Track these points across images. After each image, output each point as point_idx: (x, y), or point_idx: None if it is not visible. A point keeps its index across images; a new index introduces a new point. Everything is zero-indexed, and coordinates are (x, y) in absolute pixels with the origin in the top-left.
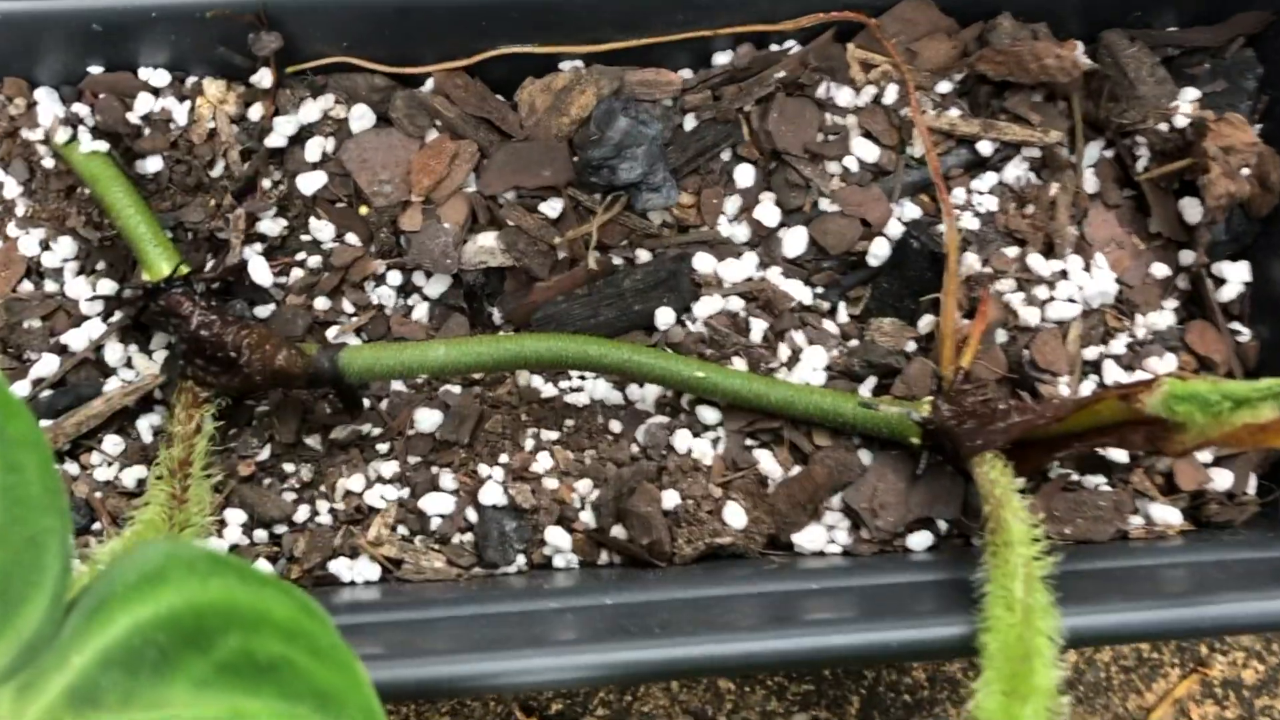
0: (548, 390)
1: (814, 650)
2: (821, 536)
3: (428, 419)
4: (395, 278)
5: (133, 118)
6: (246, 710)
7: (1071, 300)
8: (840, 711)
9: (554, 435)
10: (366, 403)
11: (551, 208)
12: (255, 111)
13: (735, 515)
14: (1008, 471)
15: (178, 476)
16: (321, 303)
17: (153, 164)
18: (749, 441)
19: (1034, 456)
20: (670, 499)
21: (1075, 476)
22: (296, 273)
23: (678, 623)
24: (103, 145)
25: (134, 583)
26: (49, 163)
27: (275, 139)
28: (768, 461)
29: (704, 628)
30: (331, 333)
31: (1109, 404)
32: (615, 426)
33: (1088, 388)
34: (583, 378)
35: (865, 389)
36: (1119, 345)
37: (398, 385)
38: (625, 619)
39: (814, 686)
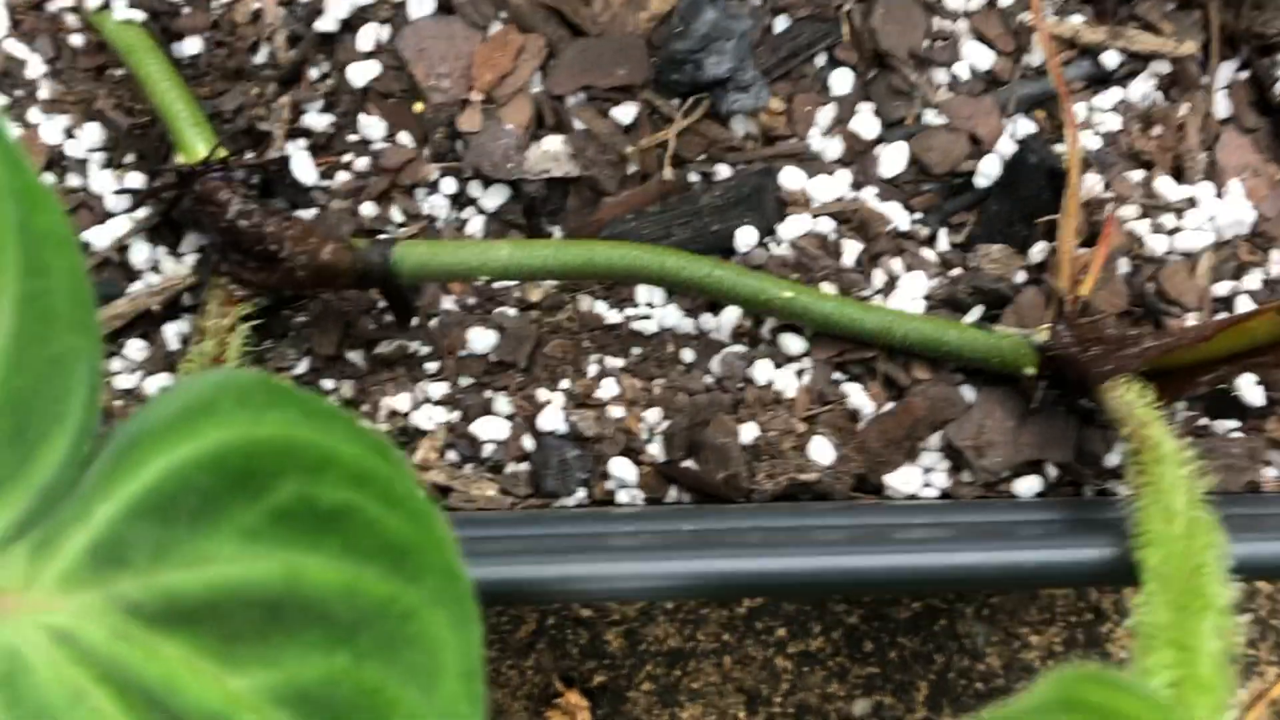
0: (612, 316)
1: (939, 569)
2: (917, 478)
3: (481, 339)
4: (450, 185)
5: None
6: (304, 568)
7: (1201, 230)
8: (907, 699)
9: (619, 362)
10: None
11: (624, 113)
12: None
13: (822, 450)
14: (1147, 394)
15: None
16: (368, 209)
17: (190, 46)
18: (837, 374)
19: (1174, 384)
20: (749, 432)
21: (1204, 421)
22: (342, 175)
23: (764, 543)
24: (138, 14)
25: (173, 418)
26: (78, 40)
27: (326, 23)
28: (858, 395)
29: (796, 544)
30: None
31: (1267, 319)
32: (687, 355)
33: None
34: (650, 305)
35: (970, 319)
36: (1254, 280)
37: (448, 304)
38: (705, 541)
39: (879, 669)
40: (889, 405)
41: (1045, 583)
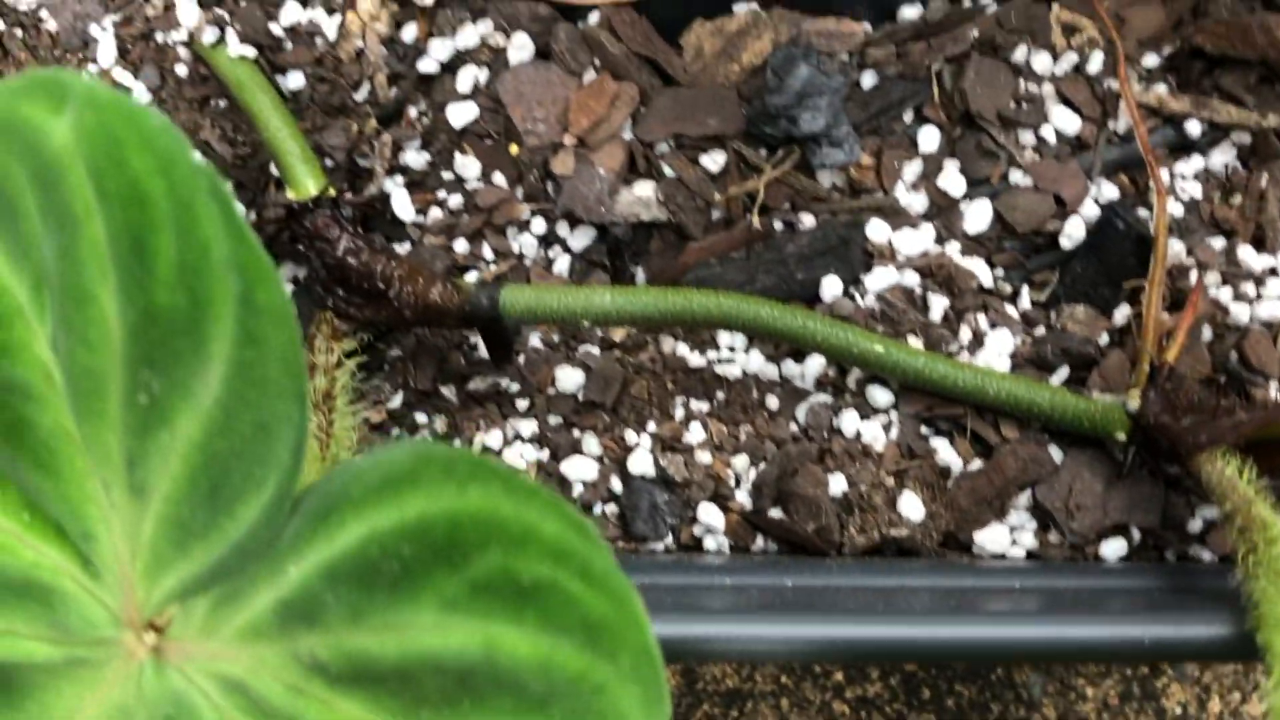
0: (695, 359)
1: (1037, 642)
2: (1005, 537)
3: (569, 378)
4: (539, 225)
5: (275, 29)
6: (503, 639)
7: None
8: None
9: (705, 406)
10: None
11: (713, 161)
12: (408, 33)
13: (912, 506)
14: (1250, 468)
15: (322, 410)
16: (461, 245)
17: (293, 80)
18: (925, 429)
19: (1269, 457)
20: (837, 484)
21: None
22: (435, 211)
23: (859, 609)
24: (250, 51)
25: (374, 485)
26: (183, 70)
27: (427, 64)
28: (946, 451)
29: (890, 611)
30: (470, 278)
31: None
32: (772, 402)
33: None
34: (732, 349)
35: (1055, 380)
36: None
37: (534, 341)
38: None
39: (935, 717)
40: (977, 462)
41: (1154, 657)
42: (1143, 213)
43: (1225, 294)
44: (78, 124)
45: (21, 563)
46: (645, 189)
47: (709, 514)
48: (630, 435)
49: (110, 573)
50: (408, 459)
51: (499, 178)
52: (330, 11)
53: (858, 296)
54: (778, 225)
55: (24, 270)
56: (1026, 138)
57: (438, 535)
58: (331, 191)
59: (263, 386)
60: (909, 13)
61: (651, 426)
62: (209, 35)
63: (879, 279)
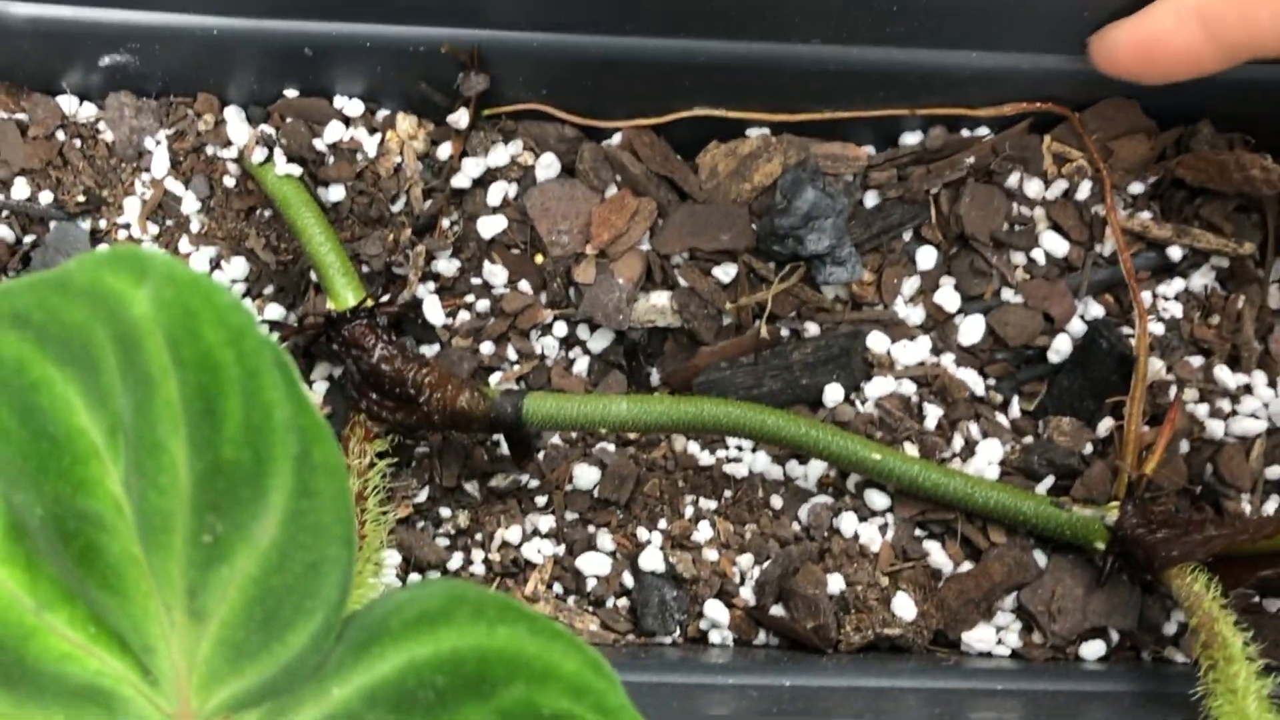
0: (705, 458)
1: None
2: (991, 636)
3: (586, 476)
4: (561, 329)
5: (319, 144)
6: None
7: (1255, 416)
8: None
9: (713, 505)
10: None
11: (725, 272)
12: (443, 150)
13: (905, 606)
14: (1214, 586)
15: (354, 511)
16: (487, 347)
17: (335, 193)
18: (919, 531)
19: (1235, 572)
20: (835, 583)
21: (1256, 598)
22: (464, 315)
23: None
24: (296, 169)
25: (412, 620)
26: (230, 181)
27: (460, 180)
28: (938, 554)
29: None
30: (494, 379)
31: None
32: (776, 502)
33: (1269, 507)
34: (740, 448)
35: (1041, 488)
36: None
37: (554, 439)
38: (804, 702)
39: None
40: (966, 565)
41: None
42: (1126, 331)
43: (1202, 410)
44: (156, 297)
45: (86, 670)
46: (661, 297)
47: (715, 610)
48: (642, 532)
49: (168, 683)
50: (442, 598)
51: (525, 285)
52: (371, 131)
53: (858, 403)
54: (784, 333)
55: (102, 417)
56: (1018, 258)
57: (469, 669)
58: (369, 302)
59: (315, 532)
60: (910, 139)
61: (663, 524)
62: (258, 155)
63: (878, 387)
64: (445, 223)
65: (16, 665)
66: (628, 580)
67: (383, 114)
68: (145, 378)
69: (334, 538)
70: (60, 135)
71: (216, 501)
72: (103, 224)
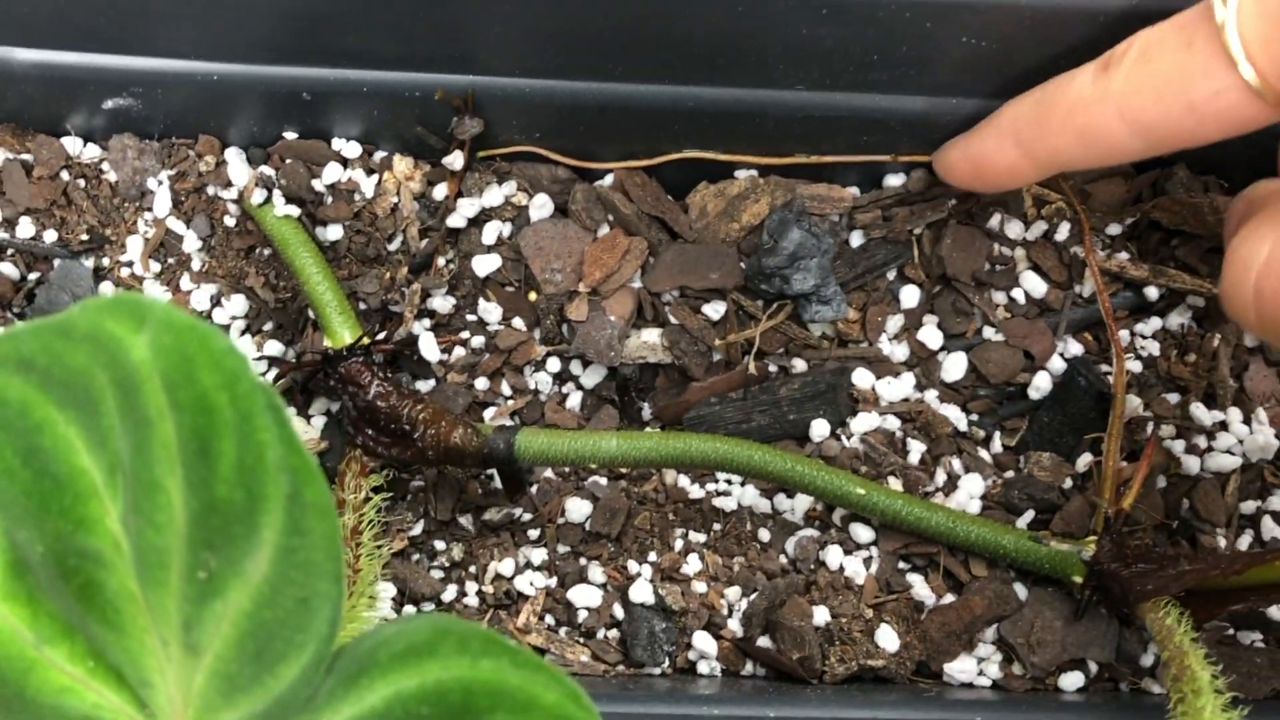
0: (695, 491)
1: None
2: (972, 668)
3: (577, 509)
4: (554, 364)
5: (318, 185)
6: None
7: (1230, 452)
8: None
9: (702, 538)
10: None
11: (714, 310)
12: (439, 191)
13: (888, 638)
14: (1185, 620)
15: (349, 545)
16: (481, 383)
17: (333, 232)
18: (902, 564)
19: (1208, 606)
20: (821, 615)
21: (1230, 630)
22: (459, 351)
23: None
24: (294, 210)
25: (399, 653)
26: (231, 221)
27: (456, 219)
28: (921, 586)
29: None
30: (488, 414)
31: None
32: (764, 535)
33: (1244, 542)
34: (729, 482)
35: (1022, 522)
36: (1278, 501)
37: (547, 472)
38: None
39: None
40: (949, 597)
41: None
42: (1104, 368)
43: (1179, 446)
44: (155, 342)
45: (85, 704)
46: (652, 334)
47: (703, 641)
48: (633, 565)
49: (164, 715)
50: (428, 631)
51: (519, 321)
52: (369, 172)
53: (844, 438)
54: (772, 369)
55: (102, 457)
56: (999, 297)
57: (453, 700)
58: (365, 339)
59: (306, 569)
60: (893, 180)
61: (653, 556)
62: (257, 196)
63: (863, 422)
64: (441, 261)
65: (17, 698)
66: (618, 612)
67: (380, 155)
68: (144, 420)
69: (324, 574)
70: (64, 175)
71: (211, 539)
72: (106, 262)
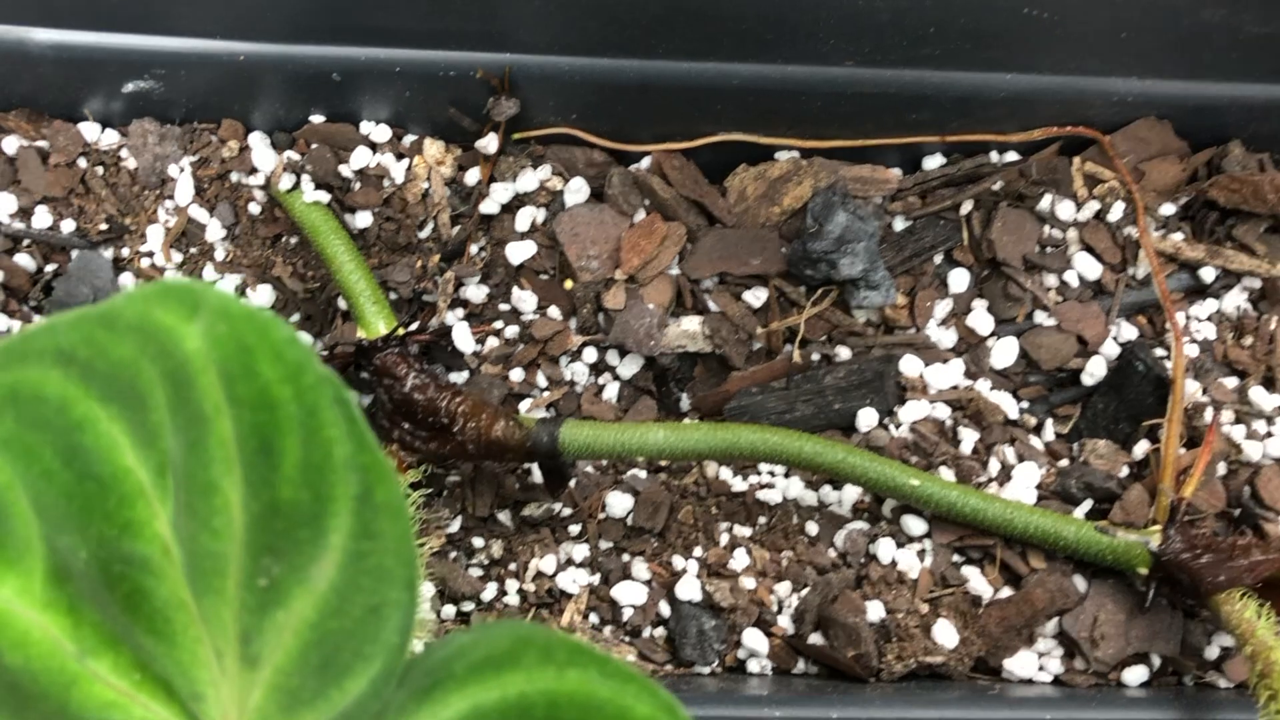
0: (738, 484)
1: None
2: (1033, 663)
3: (619, 503)
4: (591, 355)
5: (345, 171)
6: None
7: None
8: None
9: (747, 532)
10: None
11: (755, 297)
12: (471, 176)
13: (946, 634)
14: (1268, 613)
15: (416, 553)
16: (516, 374)
17: (362, 219)
18: (957, 557)
19: None
20: (875, 611)
21: None
22: (493, 341)
23: None
24: (324, 196)
25: (477, 664)
26: (256, 208)
27: (489, 205)
28: (977, 580)
29: None
30: (524, 406)
31: None
32: (811, 529)
33: None
34: (773, 474)
35: (1079, 512)
36: None
37: (586, 467)
38: None
39: None
40: (1006, 591)
41: None
42: (1159, 352)
43: (1239, 432)
44: (210, 332)
45: (130, 718)
46: (692, 322)
47: (754, 639)
48: (678, 560)
49: None
50: (508, 640)
51: (554, 310)
52: (398, 156)
53: (892, 427)
54: (815, 357)
55: (149, 456)
56: (1050, 280)
57: (538, 714)
58: (399, 330)
59: (376, 575)
60: (934, 162)
61: (698, 551)
62: (285, 181)
63: (912, 411)
64: (473, 249)
65: (59, 714)
66: (664, 609)
67: (409, 139)
68: (198, 416)
69: (396, 580)
70: (82, 163)
71: (273, 543)
72: (125, 252)
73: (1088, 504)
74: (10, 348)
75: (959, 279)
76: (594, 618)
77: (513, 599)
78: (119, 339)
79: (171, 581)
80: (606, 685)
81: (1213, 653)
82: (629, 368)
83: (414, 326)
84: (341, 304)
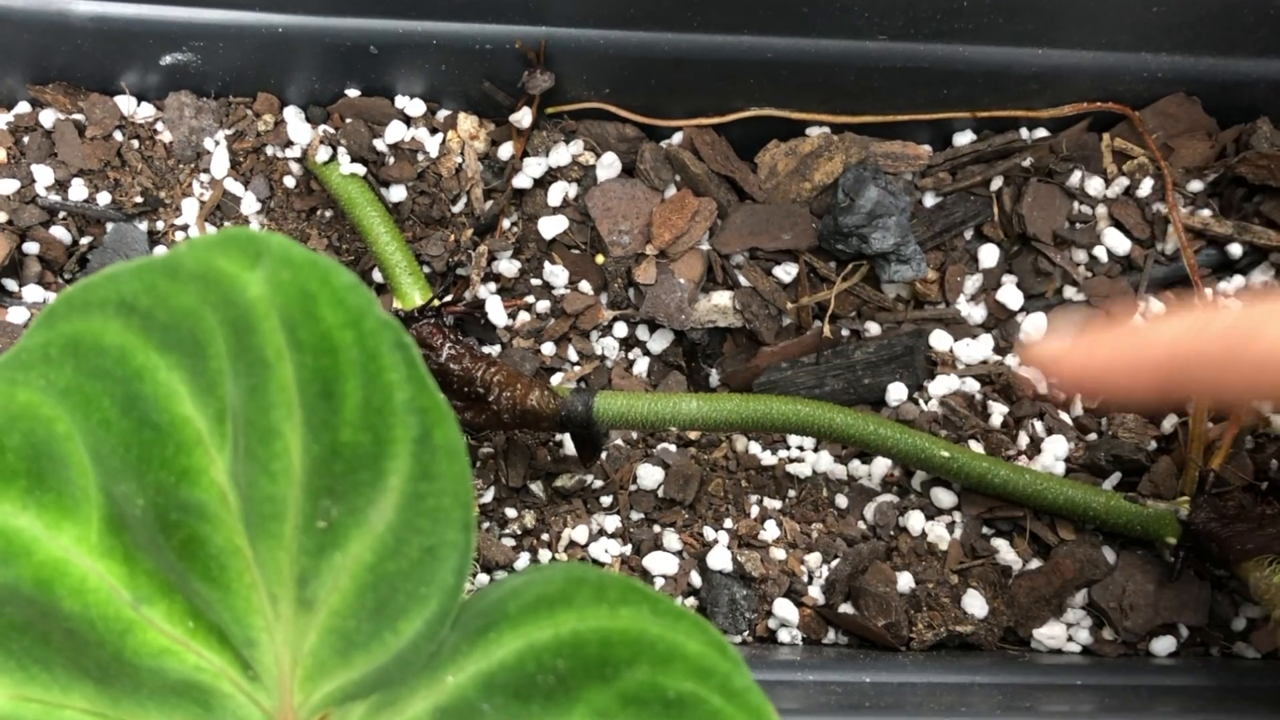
0: (767, 458)
1: None
2: (1061, 633)
3: (650, 475)
4: (621, 329)
5: (380, 145)
6: None
7: None
8: None
9: (778, 504)
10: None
11: (786, 272)
12: (504, 150)
13: (976, 604)
14: None
15: (473, 494)
16: (548, 348)
17: (396, 193)
18: (986, 529)
19: None
20: (905, 581)
21: None
22: (525, 315)
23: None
24: (360, 168)
25: (530, 604)
26: (291, 182)
27: (521, 180)
28: (1006, 551)
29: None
30: (555, 379)
31: None
32: (841, 501)
33: None
34: (801, 448)
35: (1107, 484)
36: None
37: (616, 439)
38: (890, 698)
39: None
40: (1035, 562)
41: None
42: None
43: (1266, 405)
44: (272, 278)
45: (185, 666)
46: (723, 297)
47: (784, 609)
48: (708, 531)
49: (270, 677)
50: (561, 580)
51: (585, 285)
52: (432, 131)
53: (922, 402)
54: (844, 333)
55: (207, 404)
56: (1080, 256)
57: (590, 652)
58: (435, 301)
59: (434, 516)
60: (964, 138)
61: (728, 523)
62: (322, 154)
63: (941, 385)
64: (506, 223)
65: (114, 661)
66: (695, 580)
67: (444, 114)
68: (259, 362)
69: (453, 521)
70: (118, 136)
71: (332, 486)
72: (160, 225)
73: (1116, 477)
74: (71, 298)
75: (989, 254)
76: None
77: None
78: (181, 287)
79: (227, 528)
80: (658, 623)
81: (1240, 624)
82: (659, 343)
83: (448, 299)
84: (377, 277)
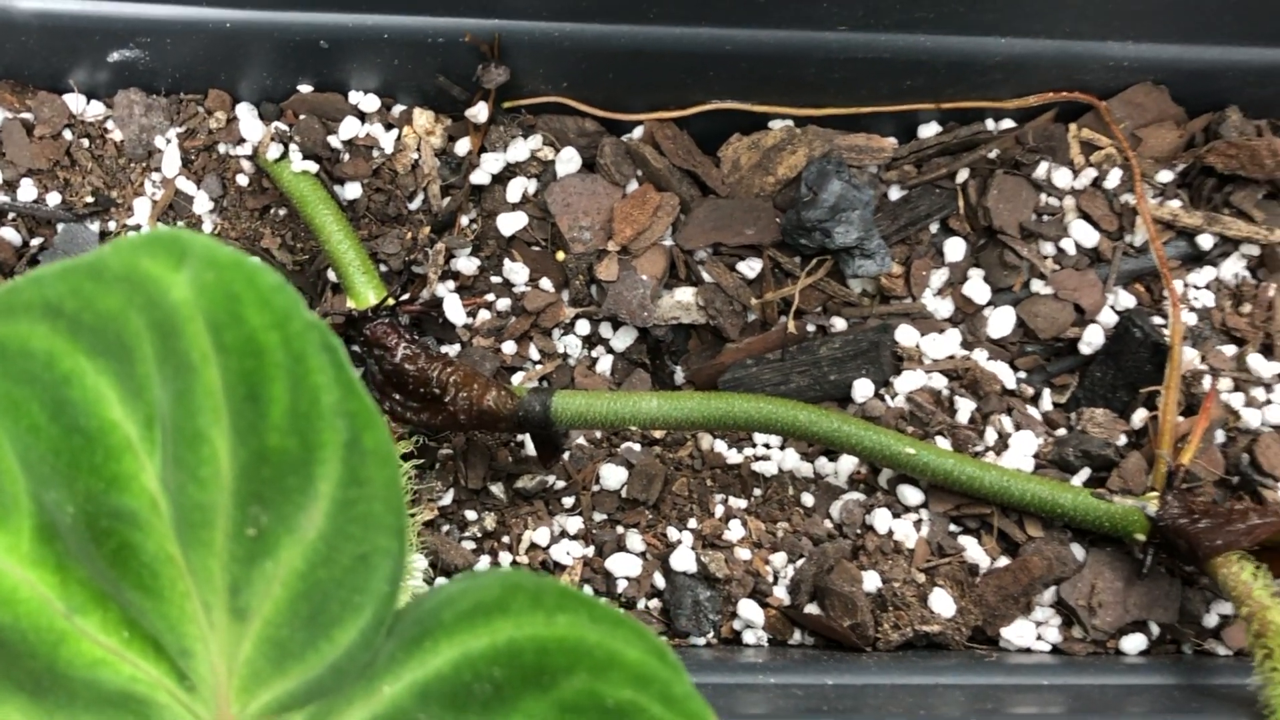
0: (733, 456)
1: None
2: (1030, 632)
3: (613, 475)
4: (584, 327)
5: (334, 141)
6: None
7: None
8: None
9: (743, 503)
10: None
11: (750, 267)
12: (461, 146)
13: (943, 603)
14: (1263, 573)
15: (405, 500)
16: (509, 346)
17: (351, 191)
18: (954, 527)
19: (1278, 562)
20: (871, 580)
21: None
22: (485, 314)
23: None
24: (312, 165)
25: (466, 611)
26: (244, 180)
27: (479, 176)
28: (974, 549)
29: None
30: (516, 379)
31: None
32: (807, 500)
33: None
34: (768, 446)
35: (1076, 480)
36: None
37: (580, 439)
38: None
39: None
40: (1003, 560)
41: None
42: (1157, 320)
43: (1237, 399)
44: (197, 280)
45: (120, 676)
46: (686, 294)
47: (749, 610)
48: (672, 532)
49: (206, 687)
50: (497, 587)
51: (546, 282)
52: (387, 126)
53: (888, 398)
54: (810, 329)
55: (136, 409)
56: (1047, 249)
57: (527, 660)
58: (390, 300)
59: (365, 522)
60: (929, 130)
61: (693, 523)
62: (273, 151)
63: (908, 381)
64: (464, 220)
65: (47, 672)
66: (659, 581)
67: (399, 109)
68: (185, 365)
69: (385, 528)
70: (67, 134)
71: (261, 492)
72: (112, 225)
73: (1085, 472)
74: None
75: (955, 248)
76: (588, 590)
77: None
78: (106, 290)
79: (159, 535)
80: (596, 630)
81: (1211, 620)
82: (622, 340)
83: (404, 297)
84: (331, 276)
